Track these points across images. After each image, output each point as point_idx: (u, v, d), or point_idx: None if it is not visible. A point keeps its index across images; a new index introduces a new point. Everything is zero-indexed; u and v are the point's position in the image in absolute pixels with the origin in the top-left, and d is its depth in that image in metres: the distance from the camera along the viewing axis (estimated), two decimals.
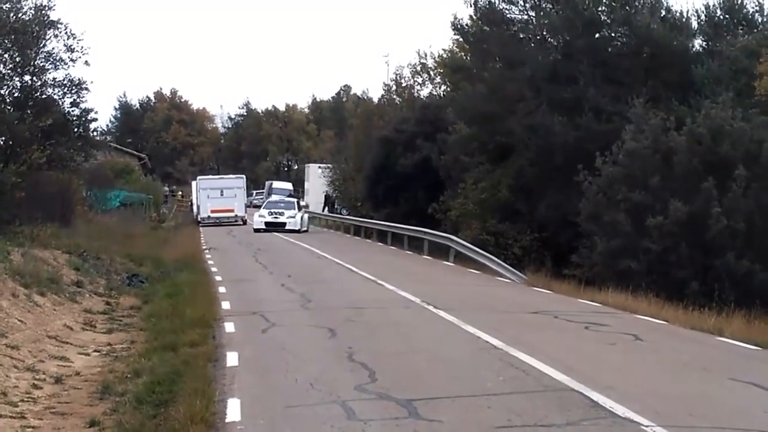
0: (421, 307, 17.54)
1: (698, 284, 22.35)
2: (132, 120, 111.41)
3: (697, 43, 33.39)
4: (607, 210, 25.24)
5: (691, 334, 15.19)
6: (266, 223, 44.90)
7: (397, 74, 55.83)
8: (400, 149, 42.35)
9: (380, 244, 37.83)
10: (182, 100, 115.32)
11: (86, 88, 27.45)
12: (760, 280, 22.25)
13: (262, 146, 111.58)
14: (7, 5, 26.09)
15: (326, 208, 61.64)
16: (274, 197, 54.00)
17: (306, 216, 48.41)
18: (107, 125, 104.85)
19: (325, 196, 63.86)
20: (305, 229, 46.20)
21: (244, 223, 52.37)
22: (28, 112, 26.54)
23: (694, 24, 33.36)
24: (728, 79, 28.37)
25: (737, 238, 22.90)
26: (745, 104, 26.00)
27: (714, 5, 32.97)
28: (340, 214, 56.90)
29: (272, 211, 46.21)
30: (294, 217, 45.70)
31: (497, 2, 34.65)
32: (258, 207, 78.07)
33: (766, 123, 24.44)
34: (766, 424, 8.88)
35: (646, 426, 8.52)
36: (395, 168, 41.88)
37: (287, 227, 44.53)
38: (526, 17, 34.87)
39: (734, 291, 21.70)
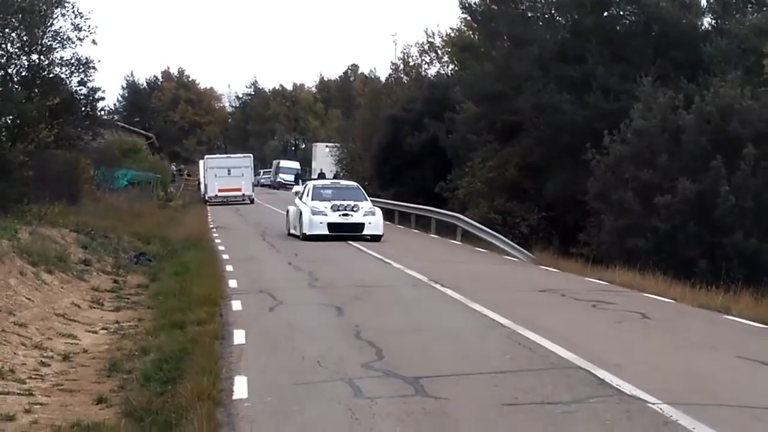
0: (428, 285, 17.54)
1: (706, 263, 22.30)
2: (139, 99, 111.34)
3: (706, 21, 33.25)
4: (615, 189, 25.19)
5: (698, 313, 15.16)
6: (331, 225, 27.59)
7: (404, 53, 55.81)
8: (407, 128, 42.29)
9: (387, 222, 37.58)
10: (189, 79, 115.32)
11: (93, 67, 27.53)
12: None
13: (269, 125, 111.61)
14: None
15: None
16: (321, 181, 37.70)
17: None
18: (115, 104, 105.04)
19: (319, 174, 63.71)
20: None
21: (252, 202, 52.46)
22: (36, 91, 26.58)
23: (703, 2, 33.17)
24: (737, 58, 28.23)
25: (746, 217, 22.84)
26: (754, 83, 25.86)
27: None
28: None
29: (337, 204, 28.07)
30: (374, 214, 28.36)
31: None
32: (271, 187, 78.00)
33: None
34: None
35: (653, 403, 8.52)
36: (403, 147, 41.83)
37: (366, 231, 27.87)
38: None
39: (742, 269, 21.64)
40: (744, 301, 16.17)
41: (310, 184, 31.69)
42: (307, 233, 27.42)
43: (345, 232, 27.28)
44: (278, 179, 78.68)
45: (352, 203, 28.22)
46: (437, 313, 14.40)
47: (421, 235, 32.14)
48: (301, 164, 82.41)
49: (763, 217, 22.95)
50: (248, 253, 24.18)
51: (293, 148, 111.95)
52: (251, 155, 59.84)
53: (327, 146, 70.39)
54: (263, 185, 76.97)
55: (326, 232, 27.32)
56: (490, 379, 9.63)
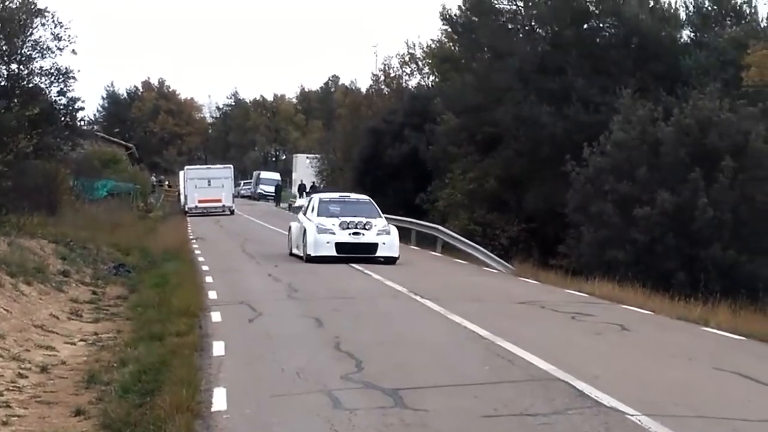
0: (408, 297, 17.54)
1: (684, 275, 22.43)
2: (119, 109, 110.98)
3: (686, 34, 33.57)
4: (595, 201, 25.29)
5: (677, 324, 15.23)
6: (339, 246, 23.92)
7: (385, 64, 55.72)
8: (388, 140, 42.26)
9: None
10: (170, 90, 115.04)
11: (73, 77, 27.57)
12: (746, 270, 22.37)
13: (249, 136, 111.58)
14: None
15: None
16: (329, 194, 29.62)
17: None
18: (94, 114, 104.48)
19: (299, 186, 63.25)
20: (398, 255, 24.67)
21: (232, 213, 52.26)
22: (15, 101, 26.57)
23: (683, 15, 33.54)
24: (716, 70, 28.46)
25: (724, 229, 22.99)
26: (733, 95, 26.04)
27: None
28: None
29: (347, 221, 24.36)
30: (389, 233, 24.66)
31: None
32: (251, 198, 77.95)
33: (753, 114, 24.47)
34: (750, 413, 8.93)
35: (632, 415, 8.54)
36: (383, 159, 41.78)
37: (379, 253, 24.15)
38: (514, 7, 34.86)
39: (720, 281, 21.78)
40: (722, 313, 16.26)
41: (316, 197, 27.70)
42: (312, 254, 23.79)
43: (355, 254, 23.70)
44: (258, 190, 78.60)
45: (363, 220, 24.56)
46: (417, 325, 14.41)
47: (401, 246, 31.96)
48: (281, 175, 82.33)
49: (741, 229, 23.12)
50: (228, 265, 24.10)
51: (274, 159, 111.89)
52: (231, 166, 59.62)
53: (308, 157, 70.30)
54: (243, 196, 76.79)
55: (334, 253, 23.72)
56: (469, 391, 9.64)
